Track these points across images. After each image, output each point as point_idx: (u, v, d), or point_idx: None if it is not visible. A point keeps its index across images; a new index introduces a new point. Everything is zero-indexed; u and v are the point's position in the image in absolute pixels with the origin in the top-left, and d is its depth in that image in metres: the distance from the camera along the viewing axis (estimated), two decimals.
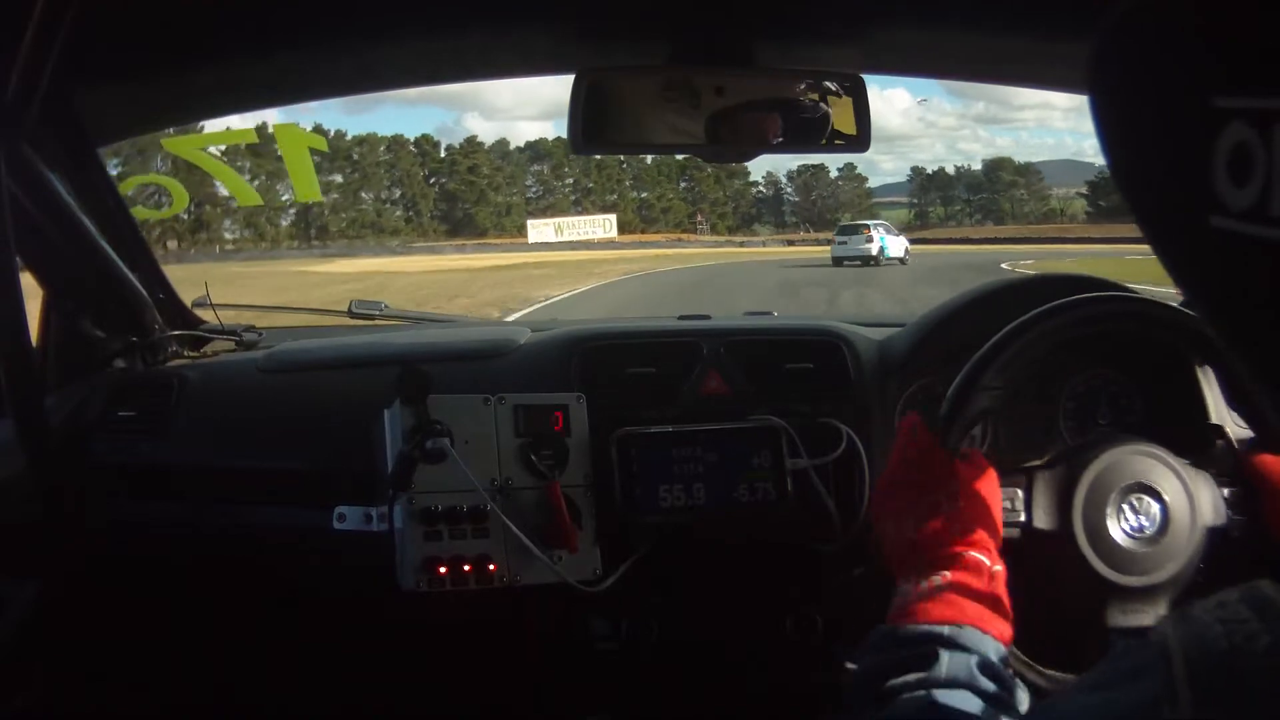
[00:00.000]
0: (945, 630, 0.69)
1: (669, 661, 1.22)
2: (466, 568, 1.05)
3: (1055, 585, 0.89)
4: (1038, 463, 0.94)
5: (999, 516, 0.80)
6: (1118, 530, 0.88)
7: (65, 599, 1.21)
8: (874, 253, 25.12)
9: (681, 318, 1.49)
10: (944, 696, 0.63)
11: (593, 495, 1.13)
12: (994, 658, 0.68)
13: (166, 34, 1.14)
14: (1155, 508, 0.88)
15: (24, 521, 1.19)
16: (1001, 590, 0.74)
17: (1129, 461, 0.90)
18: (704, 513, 1.13)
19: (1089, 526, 0.88)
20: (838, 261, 24.77)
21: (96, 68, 1.19)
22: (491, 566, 1.06)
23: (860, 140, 1.19)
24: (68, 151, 1.29)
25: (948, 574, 0.73)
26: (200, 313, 1.55)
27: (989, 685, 0.66)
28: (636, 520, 1.12)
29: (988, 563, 0.74)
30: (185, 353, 1.48)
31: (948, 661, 0.66)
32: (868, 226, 27.14)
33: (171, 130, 1.76)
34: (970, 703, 0.64)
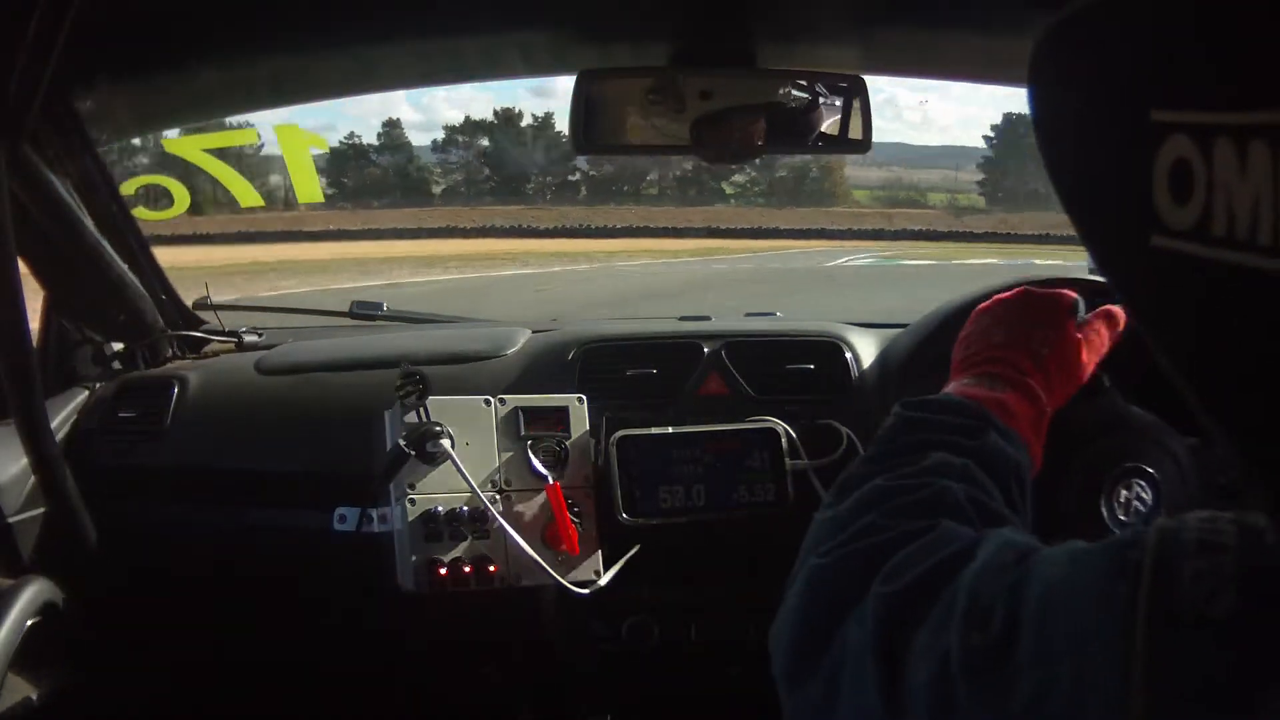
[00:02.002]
0: (999, 423, 0.67)
1: (670, 663, 1.22)
2: (467, 569, 1.05)
3: None
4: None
5: (1071, 389, 0.78)
6: (1116, 525, 0.87)
7: (65, 599, 1.21)
8: None
9: (682, 319, 1.49)
10: (980, 475, 0.62)
11: (593, 497, 1.13)
12: (1027, 473, 0.67)
13: (167, 34, 1.14)
14: (1145, 484, 0.88)
15: (24, 522, 1.19)
16: (1044, 431, 0.73)
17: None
18: (704, 514, 1.13)
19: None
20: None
21: (96, 68, 1.19)
22: (492, 568, 1.06)
23: (862, 142, 1.19)
24: (68, 151, 1.28)
25: (1009, 391, 0.72)
26: (200, 313, 1.55)
27: (1019, 486, 0.64)
28: (636, 522, 1.12)
29: (1044, 400, 0.73)
30: (185, 354, 1.48)
31: (995, 443, 0.65)
32: None
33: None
34: (999, 493, 0.62)
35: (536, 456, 1.11)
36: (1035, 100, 0.41)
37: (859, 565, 0.54)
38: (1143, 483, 0.88)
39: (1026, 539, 0.50)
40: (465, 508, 1.06)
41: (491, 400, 1.11)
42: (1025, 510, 0.65)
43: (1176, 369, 0.37)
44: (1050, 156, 0.40)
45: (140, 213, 1.47)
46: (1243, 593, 0.35)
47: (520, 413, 1.12)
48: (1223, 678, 0.35)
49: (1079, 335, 0.79)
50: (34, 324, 1.26)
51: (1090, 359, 0.79)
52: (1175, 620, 0.36)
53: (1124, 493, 0.88)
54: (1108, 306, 0.82)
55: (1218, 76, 0.32)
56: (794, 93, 1.18)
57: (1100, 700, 0.38)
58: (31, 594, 1.19)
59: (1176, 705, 0.35)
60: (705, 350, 1.27)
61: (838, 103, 1.19)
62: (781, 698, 0.56)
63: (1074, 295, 0.80)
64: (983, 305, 0.82)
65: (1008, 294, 0.82)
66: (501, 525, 1.05)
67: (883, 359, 1.28)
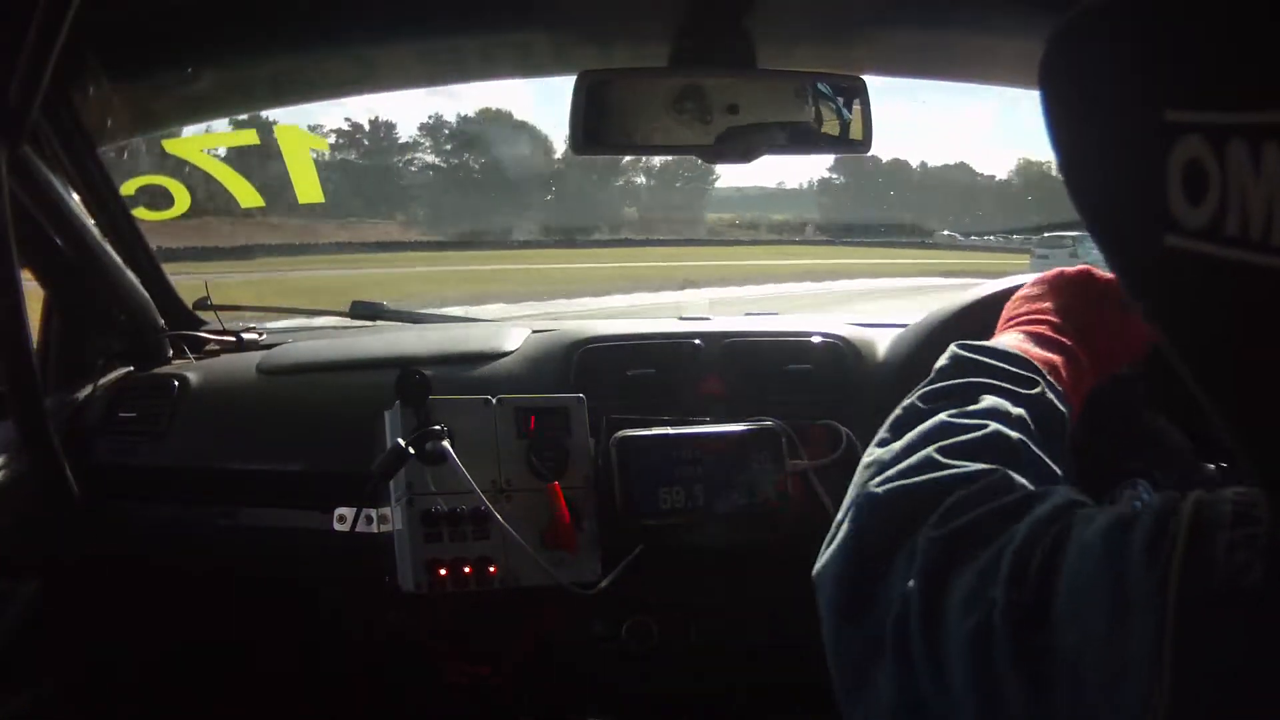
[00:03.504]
0: (1050, 379, 0.66)
1: (670, 663, 1.22)
2: (467, 569, 1.05)
3: None
4: None
5: (1110, 368, 0.77)
6: None
7: (65, 599, 1.21)
8: None
9: (682, 318, 1.49)
10: (1032, 427, 0.60)
11: (593, 497, 1.13)
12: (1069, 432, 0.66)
13: (167, 34, 1.14)
14: (1145, 489, 0.88)
15: (25, 521, 1.19)
16: (1082, 399, 0.71)
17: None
18: (703, 514, 1.13)
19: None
20: None
21: (97, 68, 1.19)
22: (492, 568, 1.06)
23: (863, 142, 1.19)
24: (68, 152, 1.28)
25: (1058, 354, 0.70)
26: (200, 313, 1.55)
27: (1063, 443, 0.63)
28: (636, 522, 1.12)
29: (1087, 370, 0.72)
30: (186, 354, 1.48)
31: (1047, 397, 0.64)
32: (1073, 239, 19.39)
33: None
34: (1044, 448, 0.60)
35: (536, 456, 1.11)
36: (1047, 100, 0.40)
37: (915, 501, 0.53)
38: (1145, 483, 0.88)
39: (1081, 499, 0.50)
40: (465, 508, 1.06)
41: (491, 400, 1.11)
42: (1069, 467, 0.64)
43: (1187, 367, 0.37)
44: (1063, 157, 0.40)
45: (140, 213, 1.47)
46: (1273, 566, 0.35)
47: (520, 413, 1.12)
48: (1246, 651, 0.35)
49: (1132, 324, 0.77)
50: (34, 323, 1.27)
51: (1136, 350, 0.79)
52: (1208, 592, 0.36)
53: (1128, 492, 0.87)
54: None
55: (1231, 77, 0.32)
56: (813, 107, 1.18)
57: (1135, 668, 0.38)
58: (30, 594, 1.19)
59: (1201, 676, 0.36)
60: (705, 350, 1.27)
61: (839, 102, 1.19)
62: (828, 640, 0.55)
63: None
64: (1044, 275, 0.82)
65: (1071, 270, 0.82)
66: (501, 525, 1.05)
67: (882, 359, 1.28)
